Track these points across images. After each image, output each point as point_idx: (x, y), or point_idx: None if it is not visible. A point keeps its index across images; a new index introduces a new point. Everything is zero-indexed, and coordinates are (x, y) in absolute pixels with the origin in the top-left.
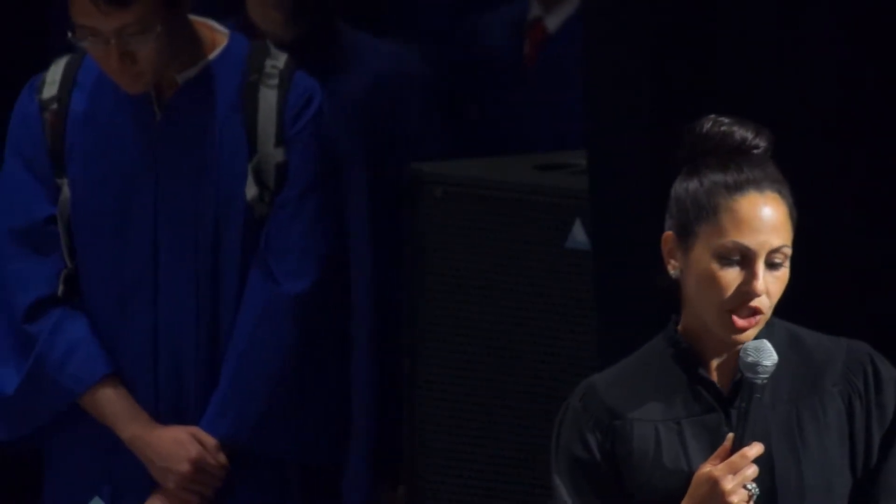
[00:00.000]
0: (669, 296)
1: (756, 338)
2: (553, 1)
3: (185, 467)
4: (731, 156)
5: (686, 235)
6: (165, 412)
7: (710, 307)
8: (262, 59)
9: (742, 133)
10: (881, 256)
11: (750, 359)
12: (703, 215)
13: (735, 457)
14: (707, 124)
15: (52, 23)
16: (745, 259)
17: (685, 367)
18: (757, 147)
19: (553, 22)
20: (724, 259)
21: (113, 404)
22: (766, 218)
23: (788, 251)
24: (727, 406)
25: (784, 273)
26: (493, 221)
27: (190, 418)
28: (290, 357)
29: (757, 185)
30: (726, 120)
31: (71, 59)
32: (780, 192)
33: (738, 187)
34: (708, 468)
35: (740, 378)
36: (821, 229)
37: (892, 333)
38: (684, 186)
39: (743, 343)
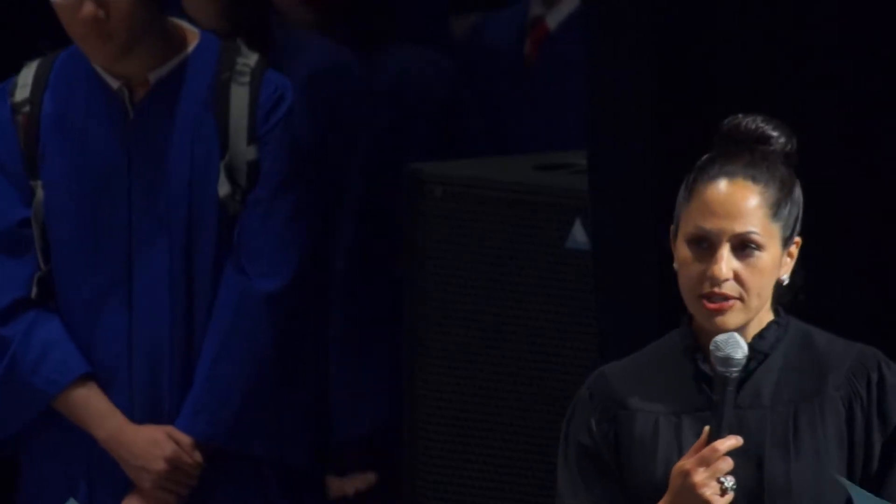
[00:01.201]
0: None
1: (766, 337)
2: None
3: (160, 466)
4: (738, 149)
5: (678, 225)
6: (141, 412)
7: (687, 295)
8: (234, 57)
9: (751, 126)
10: (881, 257)
11: (720, 353)
12: (682, 203)
13: (706, 450)
14: (730, 119)
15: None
16: (710, 244)
17: (690, 362)
18: (764, 142)
19: (554, 20)
20: (693, 245)
21: (87, 405)
22: (727, 203)
23: (759, 238)
24: (746, 405)
25: (759, 261)
26: (493, 221)
27: (165, 418)
28: (265, 356)
29: (730, 173)
30: (747, 116)
31: (42, 62)
32: (754, 180)
33: (712, 176)
34: (682, 461)
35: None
36: (821, 229)
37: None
38: (685, 179)
39: (724, 330)
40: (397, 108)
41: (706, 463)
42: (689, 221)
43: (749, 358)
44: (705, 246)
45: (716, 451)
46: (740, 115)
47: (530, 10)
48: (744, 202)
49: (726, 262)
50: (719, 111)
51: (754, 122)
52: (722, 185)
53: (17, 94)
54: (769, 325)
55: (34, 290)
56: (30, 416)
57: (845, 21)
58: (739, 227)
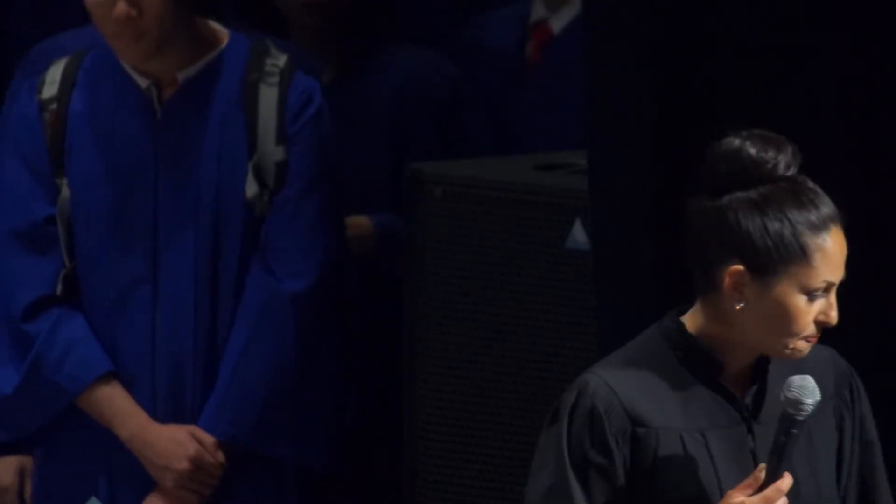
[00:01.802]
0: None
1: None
2: (558, 2)
3: (183, 465)
4: (789, 184)
5: (767, 274)
6: (163, 411)
7: (783, 336)
8: (263, 57)
9: (781, 158)
10: (882, 258)
11: (793, 395)
12: (792, 257)
13: (770, 490)
14: (738, 146)
15: (13, 27)
16: (827, 291)
17: (702, 375)
18: (792, 167)
19: (558, 23)
20: (813, 295)
21: (110, 403)
22: (842, 252)
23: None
24: (749, 420)
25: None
26: (493, 221)
27: (188, 417)
28: (289, 357)
29: (834, 219)
30: (755, 143)
31: (70, 60)
32: (841, 224)
33: (823, 226)
34: (741, 498)
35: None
36: None
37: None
38: (759, 223)
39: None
40: (398, 108)
41: (769, 503)
42: (810, 276)
43: (755, 371)
44: (820, 294)
45: (780, 491)
46: (748, 143)
47: (532, 13)
48: (845, 250)
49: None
50: (719, 111)
51: (787, 162)
52: (837, 235)
53: (44, 92)
54: None
55: (59, 288)
56: (52, 413)
57: (845, 21)
58: (842, 275)
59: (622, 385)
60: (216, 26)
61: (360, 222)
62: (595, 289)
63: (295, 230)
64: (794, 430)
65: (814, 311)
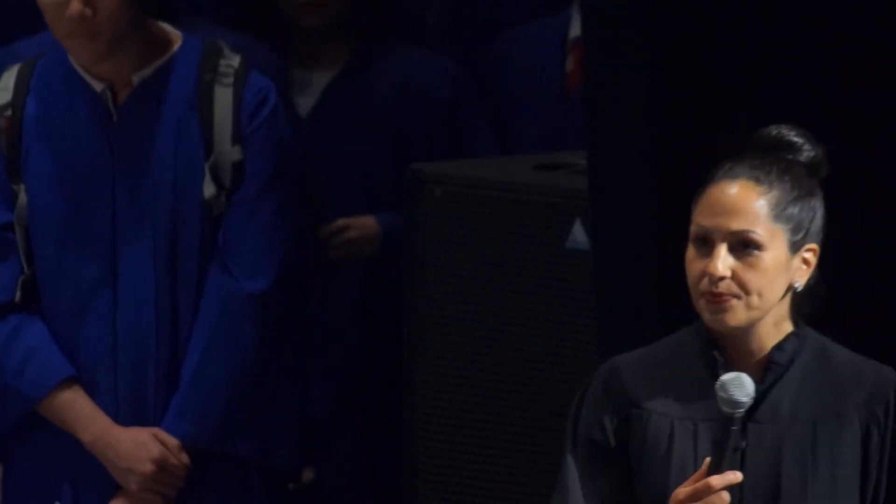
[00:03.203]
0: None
1: (785, 349)
2: None
3: (147, 468)
4: (754, 155)
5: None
6: (126, 414)
7: (693, 294)
8: (217, 58)
9: (773, 133)
10: (883, 257)
11: (724, 394)
12: (693, 205)
13: (700, 484)
14: (761, 129)
15: None
16: (710, 243)
17: (709, 367)
18: (785, 149)
19: None
20: (697, 243)
21: (72, 408)
22: (726, 201)
23: (757, 237)
24: (746, 415)
25: (759, 260)
26: (493, 221)
27: (150, 420)
28: (250, 356)
29: (735, 174)
30: (776, 125)
31: (23, 66)
32: (757, 181)
33: (719, 178)
34: (679, 489)
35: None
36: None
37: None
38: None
39: (724, 329)
40: (399, 108)
41: (698, 498)
42: (694, 221)
43: (766, 370)
44: (707, 245)
45: (710, 487)
46: (771, 125)
47: (572, 29)
48: (743, 201)
49: (722, 260)
50: (719, 111)
51: (778, 130)
52: (725, 185)
53: None
54: (788, 336)
55: (18, 294)
56: (13, 420)
57: (846, 21)
58: (736, 225)
59: (630, 368)
60: (168, 28)
61: (365, 223)
62: (595, 289)
63: (252, 230)
64: (734, 427)
65: (698, 263)
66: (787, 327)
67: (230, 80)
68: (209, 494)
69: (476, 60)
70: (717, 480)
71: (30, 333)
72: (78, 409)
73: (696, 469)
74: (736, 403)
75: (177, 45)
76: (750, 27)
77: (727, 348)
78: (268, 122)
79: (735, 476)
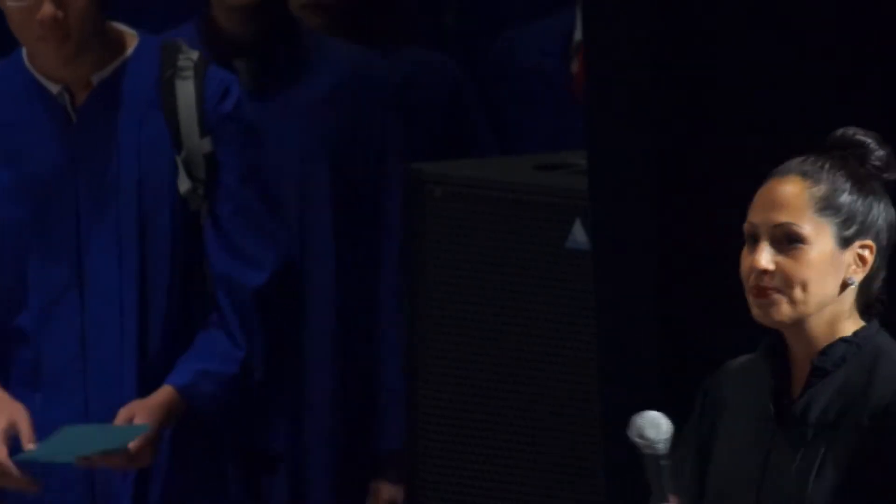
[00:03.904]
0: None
1: (829, 354)
2: None
3: None
4: (818, 154)
5: None
6: (96, 416)
7: (746, 291)
8: (175, 55)
9: (837, 134)
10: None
11: (635, 441)
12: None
13: None
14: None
15: None
16: (756, 238)
17: (768, 368)
18: (846, 148)
19: None
20: (747, 240)
21: None
22: (773, 195)
23: (800, 230)
24: (776, 418)
25: (803, 253)
26: (493, 221)
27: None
28: (258, 349)
29: (783, 171)
30: (847, 127)
31: None
32: (803, 175)
33: (771, 174)
34: None
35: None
36: None
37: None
38: None
39: (773, 324)
40: (401, 109)
41: None
42: (747, 219)
43: (809, 374)
44: (755, 241)
45: None
46: (841, 128)
47: (576, 32)
48: (788, 195)
49: (766, 254)
50: (719, 111)
51: (844, 131)
52: (774, 181)
53: None
54: (837, 341)
55: None
56: None
57: (846, 21)
58: (779, 219)
59: (731, 369)
60: (124, 28)
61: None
62: (595, 289)
63: (242, 222)
64: (662, 462)
65: (749, 258)
66: (844, 329)
67: (190, 73)
68: (183, 480)
69: (477, 60)
70: None
71: None
72: None
73: (735, 469)
74: (652, 443)
75: (134, 45)
76: (750, 27)
77: (787, 349)
78: (234, 113)
79: None
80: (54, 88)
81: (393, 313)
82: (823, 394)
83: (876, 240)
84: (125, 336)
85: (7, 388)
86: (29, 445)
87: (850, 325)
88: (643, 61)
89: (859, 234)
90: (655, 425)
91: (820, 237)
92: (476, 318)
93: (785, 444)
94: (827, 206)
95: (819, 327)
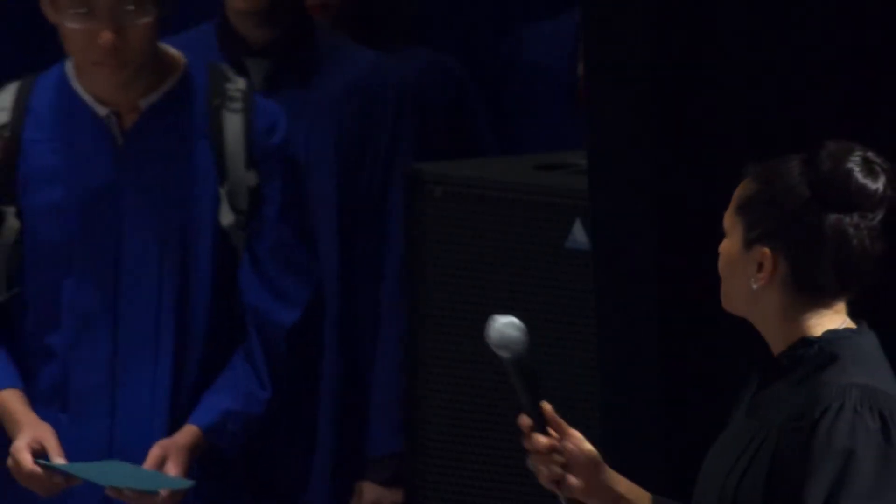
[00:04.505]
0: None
1: (787, 353)
2: None
3: (9, 461)
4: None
5: None
6: (121, 441)
7: None
8: (223, 83)
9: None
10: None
11: (497, 342)
12: None
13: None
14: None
15: None
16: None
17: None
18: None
19: None
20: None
21: (8, 412)
22: (738, 199)
23: (724, 223)
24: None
25: (723, 247)
26: (493, 221)
27: (145, 451)
28: (284, 384)
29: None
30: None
31: (22, 85)
32: (754, 174)
33: None
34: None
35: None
36: None
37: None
38: None
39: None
40: (402, 109)
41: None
42: None
43: (765, 368)
44: None
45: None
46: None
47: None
48: (738, 189)
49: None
50: (719, 111)
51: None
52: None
53: None
54: (798, 341)
55: None
56: None
57: (846, 21)
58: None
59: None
60: (172, 50)
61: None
62: (595, 289)
63: (280, 258)
64: (523, 364)
65: None
66: (814, 327)
67: (238, 104)
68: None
69: (480, 61)
70: (523, 420)
71: None
72: (12, 411)
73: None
74: (515, 343)
75: (181, 68)
76: (750, 27)
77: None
78: (280, 147)
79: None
80: (102, 111)
81: (394, 315)
82: (776, 392)
83: (778, 250)
84: (159, 365)
85: (33, 405)
86: (58, 459)
87: (828, 322)
88: (643, 61)
89: (759, 241)
90: (512, 325)
91: (732, 233)
92: (476, 318)
93: (730, 435)
94: (742, 207)
95: (764, 325)
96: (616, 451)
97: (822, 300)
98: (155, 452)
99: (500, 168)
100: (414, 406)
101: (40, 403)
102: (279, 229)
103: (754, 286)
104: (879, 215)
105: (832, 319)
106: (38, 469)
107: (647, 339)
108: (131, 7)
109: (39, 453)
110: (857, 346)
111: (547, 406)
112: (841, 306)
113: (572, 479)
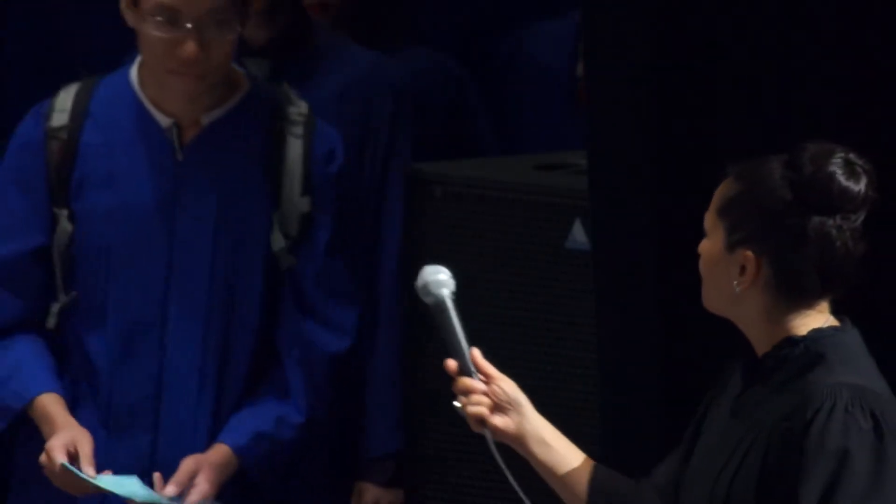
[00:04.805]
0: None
1: (772, 354)
2: None
3: (42, 457)
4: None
5: None
6: (163, 455)
7: None
8: (286, 105)
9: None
10: (880, 257)
11: (426, 289)
12: None
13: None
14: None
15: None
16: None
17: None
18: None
19: None
20: None
21: (46, 414)
22: (714, 201)
23: (705, 224)
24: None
25: (703, 247)
26: (493, 221)
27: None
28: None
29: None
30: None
31: (81, 88)
32: (735, 174)
33: None
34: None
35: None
36: None
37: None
38: None
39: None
40: (402, 109)
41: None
42: None
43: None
44: None
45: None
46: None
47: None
48: (719, 188)
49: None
50: (719, 112)
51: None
52: None
53: (53, 119)
54: (783, 340)
55: (53, 321)
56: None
57: (845, 21)
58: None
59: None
60: (239, 69)
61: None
62: (595, 289)
63: (328, 288)
64: (450, 307)
65: None
66: (799, 327)
67: (300, 129)
68: None
69: (480, 61)
70: (450, 363)
71: (21, 347)
72: (51, 414)
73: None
74: (438, 287)
75: (245, 87)
76: (750, 28)
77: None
78: (336, 177)
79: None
80: (165, 122)
81: (393, 315)
82: (760, 392)
83: (761, 253)
84: (204, 383)
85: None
86: (88, 470)
87: (812, 321)
88: (643, 62)
89: (742, 244)
90: (438, 272)
91: (713, 234)
92: (476, 318)
93: (712, 434)
94: (724, 208)
95: (747, 325)
96: (616, 451)
97: (805, 301)
98: (188, 465)
99: (500, 168)
100: (414, 406)
101: (81, 417)
102: (327, 257)
103: (737, 289)
104: (861, 216)
105: (816, 318)
106: (75, 469)
107: (647, 339)
108: (217, 21)
109: (73, 457)
110: (843, 344)
111: (475, 350)
112: (824, 305)
113: (497, 420)
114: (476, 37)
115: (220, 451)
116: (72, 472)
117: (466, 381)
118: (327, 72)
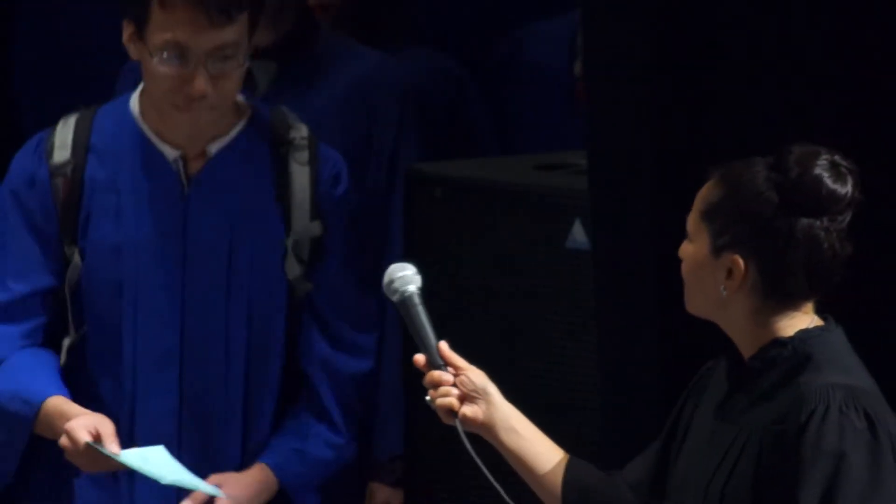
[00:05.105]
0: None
1: (759, 357)
2: None
3: (62, 439)
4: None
5: None
6: (188, 491)
7: None
8: (287, 130)
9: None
10: (880, 257)
11: (392, 287)
12: None
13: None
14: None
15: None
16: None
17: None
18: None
19: None
20: None
21: (58, 410)
22: (696, 205)
23: (688, 227)
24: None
25: (685, 251)
26: (493, 221)
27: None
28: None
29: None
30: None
31: (80, 121)
32: (719, 177)
33: None
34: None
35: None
36: None
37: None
38: None
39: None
40: (402, 109)
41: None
42: None
43: (738, 374)
44: None
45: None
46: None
47: (579, 34)
48: (701, 190)
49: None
50: (719, 112)
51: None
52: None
53: (55, 156)
54: (770, 342)
55: (64, 358)
56: (21, 447)
57: (845, 21)
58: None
59: (721, 364)
60: (239, 96)
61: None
62: (595, 289)
63: (347, 308)
64: (416, 301)
65: None
66: (785, 328)
67: (304, 154)
68: None
69: (480, 61)
70: (419, 358)
71: (21, 361)
72: (65, 408)
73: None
74: (404, 282)
75: (247, 114)
76: (750, 28)
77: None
78: (344, 198)
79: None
80: (170, 154)
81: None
82: (748, 395)
83: (748, 257)
84: (226, 412)
85: None
86: (113, 447)
87: (799, 322)
88: (643, 62)
89: (730, 247)
90: (404, 268)
91: (697, 238)
92: (476, 318)
93: (699, 436)
94: (708, 212)
95: (733, 329)
96: (616, 451)
97: (792, 303)
98: (212, 480)
99: (500, 168)
100: (413, 406)
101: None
102: (341, 279)
103: (724, 293)
104: (847, 218)
105: (802, 319)
106: (101, 448)
107: (647, 339)
108: (226, 57)
109: (95, 438)
110: (829, 344)
111: (442, 343)
112: (809, 306)
113: (466, 409)
114: (476, 37)
115: (255, 469)
116: (97, 449)
117: (435, 374)
118: (333, 73)
